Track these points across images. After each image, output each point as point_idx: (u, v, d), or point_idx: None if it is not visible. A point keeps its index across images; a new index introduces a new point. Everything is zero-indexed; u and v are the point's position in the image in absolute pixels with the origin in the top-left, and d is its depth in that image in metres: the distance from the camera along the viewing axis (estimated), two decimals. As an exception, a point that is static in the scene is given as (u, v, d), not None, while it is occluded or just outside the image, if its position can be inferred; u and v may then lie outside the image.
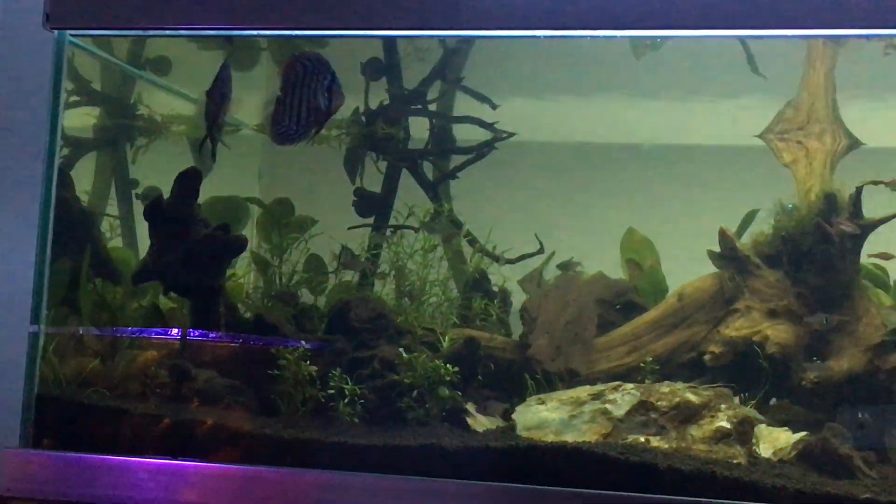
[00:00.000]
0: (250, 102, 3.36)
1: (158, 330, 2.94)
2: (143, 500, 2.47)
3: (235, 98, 2.76)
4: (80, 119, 3.45)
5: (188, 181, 2.88)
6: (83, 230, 3.10)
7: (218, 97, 2.67)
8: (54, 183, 2.81)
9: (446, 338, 2.87)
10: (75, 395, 2.77)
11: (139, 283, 2.97)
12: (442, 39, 3.30)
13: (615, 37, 2.64)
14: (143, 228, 2.96)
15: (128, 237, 3.42)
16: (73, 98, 3.36)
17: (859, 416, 2.67)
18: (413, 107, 3.42)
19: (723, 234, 3.00)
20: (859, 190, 2.88)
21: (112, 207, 3.51)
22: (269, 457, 2.56)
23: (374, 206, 3.37)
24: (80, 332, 2.96)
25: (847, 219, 2.87)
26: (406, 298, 3.15)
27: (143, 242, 3.00)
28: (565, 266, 3.20)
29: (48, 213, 2.80)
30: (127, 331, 2.98)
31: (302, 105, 2.55)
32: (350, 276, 3.25)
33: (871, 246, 2.91)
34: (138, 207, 3.28)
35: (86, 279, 2.99)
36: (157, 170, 3.45)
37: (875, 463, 2.48)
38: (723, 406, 2.58)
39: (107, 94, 3.52)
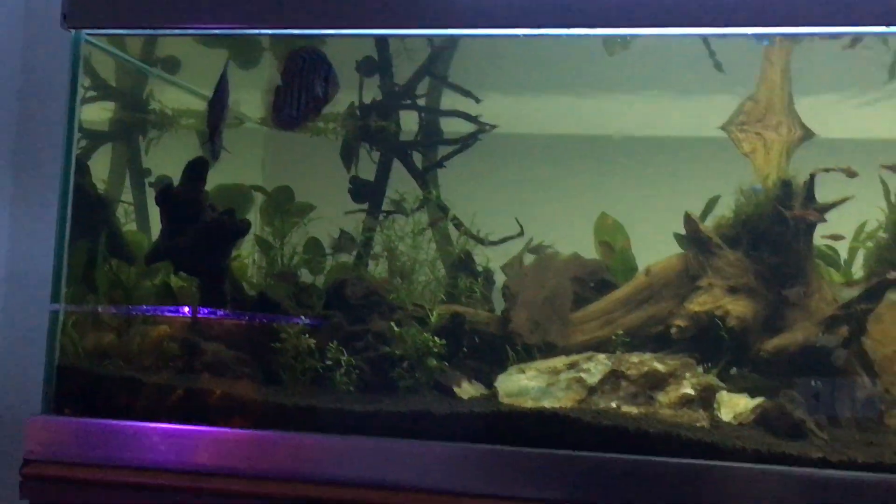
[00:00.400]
0: (254, 98, 3.36)
1: (170, 308, 2.94)
2: (156, 462, 2.48)
3: (236, 101, 2.77)
4: (97, 113, 3.44)
5: (196, 169, 2.88)
6: (100, 215, 3.09)
7: (218, 107, 2.68)
8: (72, 172, 2.81)
9: (434, 313, 2.87)
10: (93, 367, 2.77)
11: (151, 263, 2.97)
12: (429, 39, 3.30)
13: (589, 35, 2.64)
14: (155, 214, 2.95)
15: (141, 222, 3.41)
16: (90, 93, 3.35)
17: (813, 384, 2.69)
18: (403, 101, 3.42)
19: (688, 218, 3.02)
20: (812, 177, 2.90)
21: (127, 195, 3.50)
22: (272, 422, 2.57)
23: (368, 193, 3.37)
24: (99, 309, 2.96)
25: (811, 208, 2.89)
26: (397, 277, 3.15)
27: (156, 227, 2.99)
28: (536, 249, 3.20)
29: (67, 200, 2.80)
30: (141, 308, 2.98)
31: (301, 94, 2.55)
32: (347, 256, 3.26)
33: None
34: (151, 195, 3.27)
35: (102, 259, 2.99)
36: (168, 160, 3.44)
37: (826, 426, 2.50)
38: (687, 374, 2.59)
39: (121, 89, 3.51)
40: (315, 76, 2.56)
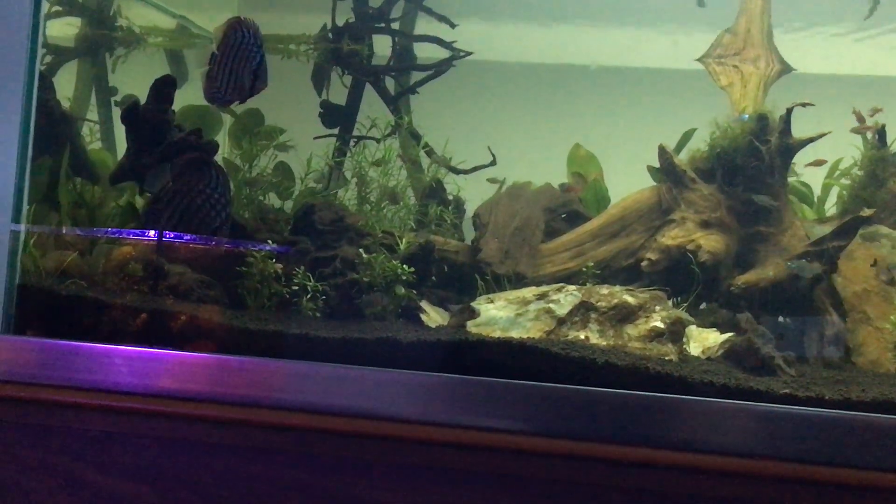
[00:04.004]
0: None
1: (135, 231, 2.87)
2: (117, 385, 2.42)
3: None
4: (63, 29, 3.35)
5: (163, 88, 2.80)
6: (64, 132, 3.01)
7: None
8: (35, 86, 2.72)
9: (403, 241, 2.82)
10: (55, 287, 2.70)
11: (116, 183, 2.89)
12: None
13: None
14: (122, 133, 2.88)
15: (107, 141, 3.34)
16: (56, 8, 3.26)
17: (782, 320, 2.67)
18: (377, 25, 3.34)
19: (662, 151, 2.98)
20: (789, 111, 2.86)
21: (93, 114, 3.43)
22: (236, 347, 2.52)
23: (339, 118, 3.31)
24: (64, 230, 2.88)
25: (786, 142, 2.85)
26: (367, 204, 3.09)
27: (122, 147, 2.91)
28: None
29: (30, 116, 2.72)
30: (106, 231, 2.91)
31: (231, 76, 2.47)
32: (317, 183, 3.20)
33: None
34: (118, 115, 3.19)
35: (65, 177, 2.91)
36: (135, 79, 3.36)
37: (794, 362, 2.48)
38: (657, 308, 2.56)
39: (87, 5, 3.41)
40: (246, 64, 2.47)
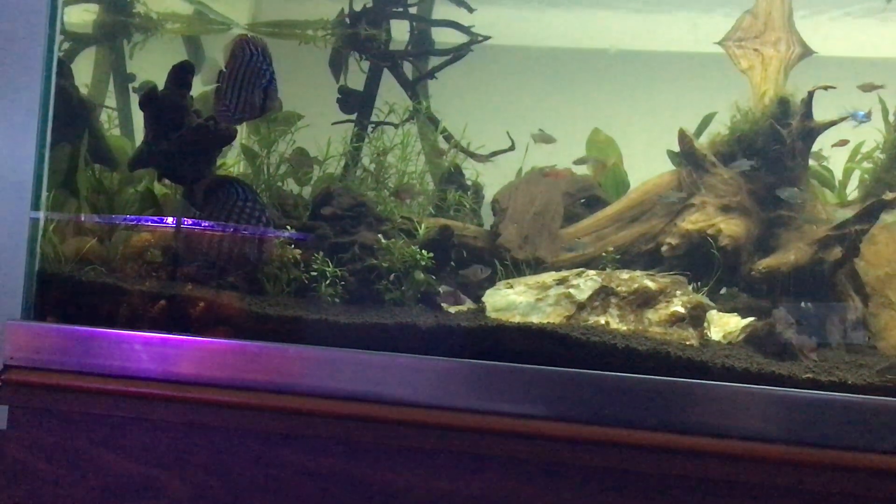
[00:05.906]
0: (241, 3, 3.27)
1: (154, 217, 2.87)
2: (137, 371, 2.43)
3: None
4: (81, 15, 3.35)
5: (181, 73, 2.78)
6: (82, 119, 3.01)
7: None
8: (54, 73, 2.72)
9: (422, 226, 2.82)
10: (73, 273, 2.71)
11: (135, 169, 2.88)
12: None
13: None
14: (140, 119, 2.87)
15: (125, 128, 3.34)
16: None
17: (803, 305, 2.66)
18: (395, 10, 3.34)
19: (682, 135, 2.96)
20: (811, 94, 2.83)
21: (111, 100, 3.43)
22: (255, 332, 2.52)
23: (357, 103, 3.30)
24: (83, 217, 2.88)
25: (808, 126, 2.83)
26: (385, 189, 3.09)
27: (140, 133, 2.91)
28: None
29: (48, 103, 2.72)
30: (124, 218, 2.91)
31: (241, 94, 2.46)
32: (334, 167, 3.19)
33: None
34: (135, 101, 3.19)
35: (84, 163, 2.91)
36: (153, 65, 3.35)
37: (816, 347, 2.46)
38: (678, 292, 2.55)
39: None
40: (256, 83, 2.46)
